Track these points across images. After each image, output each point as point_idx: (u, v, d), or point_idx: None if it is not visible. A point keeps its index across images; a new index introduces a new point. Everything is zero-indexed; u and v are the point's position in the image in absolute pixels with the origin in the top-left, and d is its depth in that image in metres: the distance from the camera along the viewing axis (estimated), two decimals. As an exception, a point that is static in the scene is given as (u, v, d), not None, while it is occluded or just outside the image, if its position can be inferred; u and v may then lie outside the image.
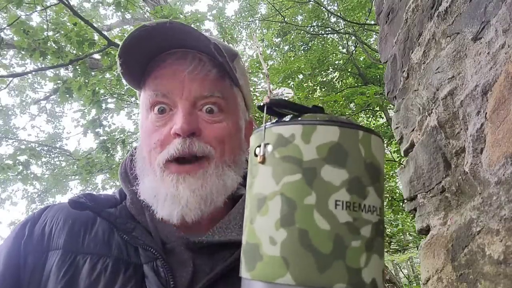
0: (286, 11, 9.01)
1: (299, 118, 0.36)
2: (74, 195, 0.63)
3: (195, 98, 0.61)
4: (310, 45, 9.10)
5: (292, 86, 8.30)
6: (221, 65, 0.62)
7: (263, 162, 0.36)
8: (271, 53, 9.66)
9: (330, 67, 8.82)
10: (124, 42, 0.58)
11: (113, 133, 7.08)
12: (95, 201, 0.63)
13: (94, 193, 0.67)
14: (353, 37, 8.52)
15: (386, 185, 7.37)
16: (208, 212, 0.60)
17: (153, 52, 0.63)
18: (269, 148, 0.36)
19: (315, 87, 8.87)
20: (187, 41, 0.61)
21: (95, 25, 5.01)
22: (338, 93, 7.45)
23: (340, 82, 8.88)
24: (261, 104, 0.38)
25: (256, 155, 0.37)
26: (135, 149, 0.71)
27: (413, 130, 1.27)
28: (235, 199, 0.68)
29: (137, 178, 0.66)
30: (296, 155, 0.35)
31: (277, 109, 0.38)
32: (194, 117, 0.60)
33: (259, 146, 0.37)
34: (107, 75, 5.48)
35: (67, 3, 4.15)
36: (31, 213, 0.68)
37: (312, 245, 0.32)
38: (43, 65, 5.02)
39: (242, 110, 0.69)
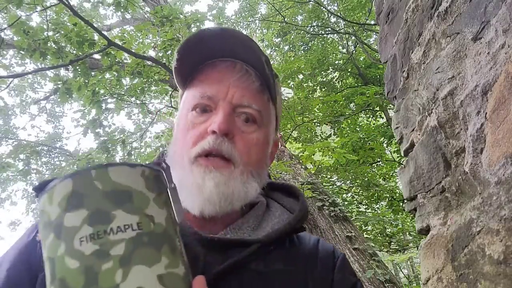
0: (286, 11, 9.01)
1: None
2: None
3: (235, 105, 0.65)
4: (310, 45, 9.10)
5: (292, 86, 8.30)
6: (265, 79, 0.67)
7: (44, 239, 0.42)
8: (271, 53, 9.66)
9: (330, 67, 8.82)
10: (187, 39, 0.63)
11: (113, 133, 7.08)
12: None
13: None
14: (353, 37, 8.52)
15: (386, 185, 7.37)
16: (224, 212, 0.62)
17: (207, 55, 0.67)
18: (39, 226, 0.42)
19: (315, 87, 8.87)
20: (239, 51, 0.66)
21: (95, 25, 5.01)
22: (338, 93, 7.45)
23: (340, 82, 8.88)
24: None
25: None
26: (164, 152, 0.76)
27: (413, 130, 1.27)
28: (252, 205, 0.71)
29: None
30: (47, 219, 0.40)
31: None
32: (231, 120, 0.64)
33: None
34: (107, 75, 5.48)
35: (67, 3, 4.14)
36: None
37: (69, 287, 0.37)
38: (43, 65, 5.02)
39: (273, 127, 0.73)
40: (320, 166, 6.63)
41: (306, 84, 8.68)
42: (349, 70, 8.68)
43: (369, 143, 7.16)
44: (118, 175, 0.41)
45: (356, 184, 7.05)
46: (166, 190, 0.47)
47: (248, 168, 0.65)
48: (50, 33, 4.52)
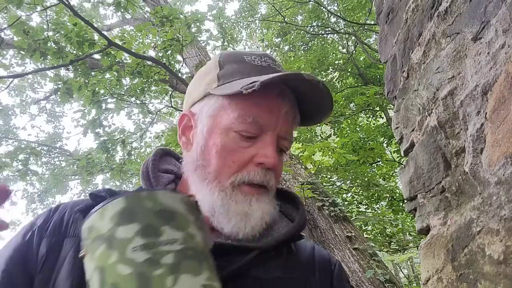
0: (286, 11, 9.01)
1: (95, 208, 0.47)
2: (95, 189, 0.66)
3: (279, 137, 0.66)
4: (310, 45, 9.10)
5: (292, 86, 8.29)
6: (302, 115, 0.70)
7: (84, 256, 0.46)
8: (271, 53, 9.66)
9: (330, 67, 8.82)
10: (273, 78, 0.60)
11: (113, 133, 7.08)
12: (114, 196, 0.65)
13: (114, 189, 0.69)
14: (353, 37, 8.51)
15: (386, 185, 7.37)
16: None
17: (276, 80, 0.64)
18: (85, 242, 0.46)
19: (315, 87, 8.84)
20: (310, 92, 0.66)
21: (95, 25, 5.01)
22: (338, 93, 7.45)
23: (340, 82, 8.87)
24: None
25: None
26: (160, 150, 0.76)
27: (413, 130, 1.27)
28: None
29: (158, 178, 0.70)
30: (96, 233, 0.44)
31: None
32: (277, 154, 0.65)
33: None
34: (107, 75, 5.48)
35: (67, 3, 4.14)
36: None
37: None
38: (43, 65, 5.02)
39: None
40: (320, 166, 6.63)
41: (306, 84, 8.66)
42: (349, 70, 8.68)
43: (369, 143, 7.16)
44: (164, 198, 0.47)
45: (356, 184, 7.04)
46: (200, 216, 0.51)
47: (274, 192, 0.68)
48: (50, 33, 4.52)
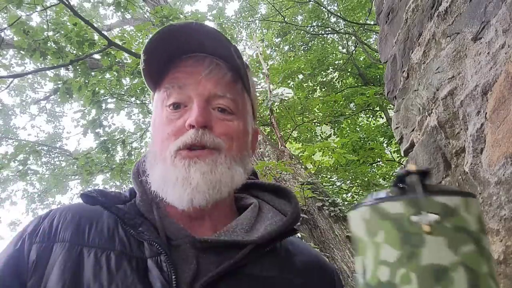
0: (286, 11, 9.01)
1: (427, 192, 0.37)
2: (86, 190, 0.66)
3: (209, 96, 0.65)
4: (310, 45, 9.10)
5: (292, 86, 8.30)
6: (236, 69, 0.67)
7: (431, 232, 0.36)
8: (271, 53, 9.66)
9: (330, 67, 8.82)
10: (151, 39, 0.63)
11: (113, 134, 7.08)
12: (105, 196, 0.65)
13: (105, 189, 0.69)
14: (353, 37, 8.51)
15: (386, 185, 7.38)
16: (214, 201, 0.62)
17: (175, 53, 0.67)
18: (434, 218, 0.36)
19: (315, 87, 8.86)
20: (207, 44, 0.66)
21: (95, 25, 5.00)
22: (338, 93, 7.45)
23: (340, 82, 8.87)
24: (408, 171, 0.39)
25: (413, 225, 0.36)
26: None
27: (413, 130, 1.27)
28: (245, 207, 0.71)
29: (147, 176, 0.68)
30: (465, 225, 0.37)
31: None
32: (208, 112, 0.64)
33: (416, 215, 0.36)
34: (107, 75, 5.48)
35: (67, 3, 4.14)
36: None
37: None
38: (43, 65, 5.02)
39: (250, 116, 0.73)
40: (320, 166, 6.63)
41: (306, 84, 8.68)
42: (349, 70, 8.68)
43: (369, 143, 7.16)
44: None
45: (356, 184, 7.05)
46: None
47: (231, 153, 0.65)
48: (50, 33, 4.52)
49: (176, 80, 0.66)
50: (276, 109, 6.63)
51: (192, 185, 0.60)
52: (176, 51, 0.66)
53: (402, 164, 1.33)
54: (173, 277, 0.56)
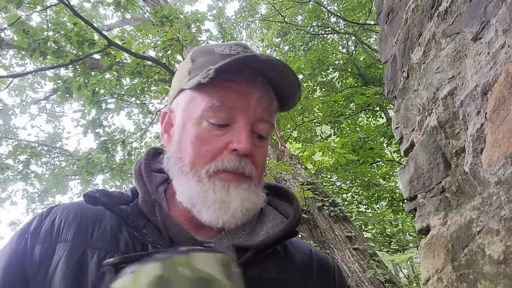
0: (286, 11, 9.01)
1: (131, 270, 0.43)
2: (89, 190, 0.65)
3: (254, 120, 0.64)
4: (310, 45, 9.10)
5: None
6: (290, 105, 0.69)
7: None
8: (271, 53, 9.66)
9: (330, 67, 8.82)
10: (229, 63, 0.59)
11: (113, 133, 7.08)
12: (108, 197, 0.64)
13: (108, 189, 0.68)
14: (353, 37, 8.52)
15: (386, 185, 7.38)
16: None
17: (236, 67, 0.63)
18: None
19: (315, 87, 8.87)
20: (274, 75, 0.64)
21: (95, 25, 5.01)
22: (338, 93, 7.45)
23: (340, 82, 8.88)
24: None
25: None
26: (152, 149, 0.75)
27: (413, 130, 1.27)
28: None
29: (151, 178, 0.69)
30: None
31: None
32: (252, 139, 0.63)
33: None
34: (107, 75, 5.48)
35: (67, 3, 4.15)
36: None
37: None
38: (43, 65, 5.02)
39: None
40: (320, 166, 6.63)
41: (306, 84, 8.68)
42: (349, 70, 8.69)
43: (369, 143, 7.16)
44: (200, 262, 0.44)
45: (356, 184, 7.05)
46: (235, 272, 0.48)
47: (258, 181, 0.66)
48: (50, 33, 4.52)
49: (227, 99, 0.62)
50: (276, 109, 6.61)
51: (231, 211, 0.60)
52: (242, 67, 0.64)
53: (402, 164, 1.33)
54: None
